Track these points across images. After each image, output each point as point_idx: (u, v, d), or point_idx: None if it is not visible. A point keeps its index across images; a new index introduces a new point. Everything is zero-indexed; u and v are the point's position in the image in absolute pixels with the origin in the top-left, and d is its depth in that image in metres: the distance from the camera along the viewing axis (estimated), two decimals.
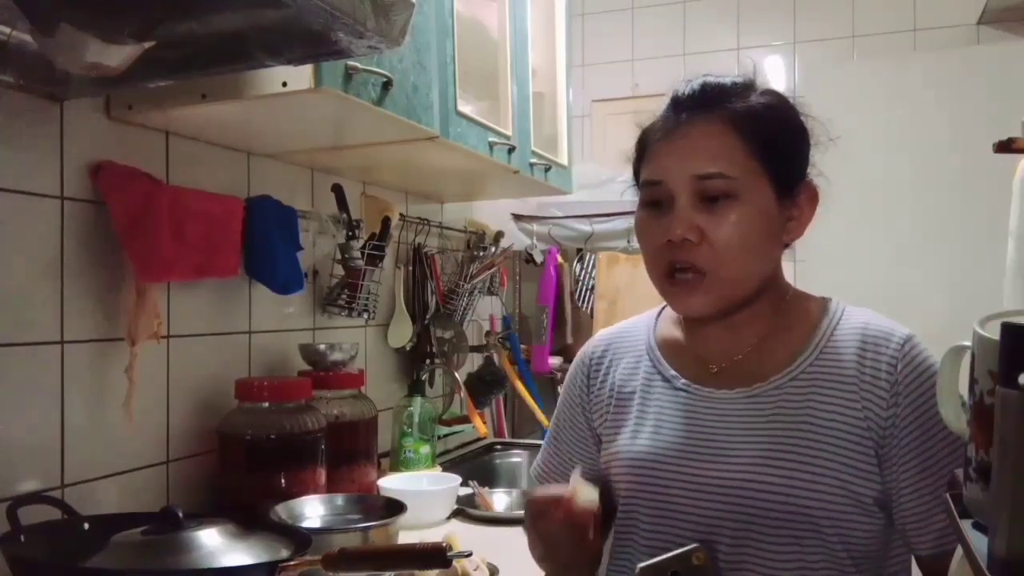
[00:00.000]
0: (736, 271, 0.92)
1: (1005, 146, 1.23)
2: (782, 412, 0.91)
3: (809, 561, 0.87)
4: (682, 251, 0.91)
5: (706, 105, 0.93)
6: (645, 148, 0.98)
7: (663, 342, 1.04)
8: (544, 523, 0.89)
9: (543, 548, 0.90)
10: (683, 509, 0.92)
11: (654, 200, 0.95)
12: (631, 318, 1.13)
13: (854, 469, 0.88)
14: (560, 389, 1.16)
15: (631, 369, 1.04)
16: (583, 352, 1.13)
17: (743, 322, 0.97)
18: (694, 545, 0.87)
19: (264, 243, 1.52)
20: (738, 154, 0.91)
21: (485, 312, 2.63)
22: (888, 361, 0.90)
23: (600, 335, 1.14)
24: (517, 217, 2.60)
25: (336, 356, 1.65)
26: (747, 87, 0.96)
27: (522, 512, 1.07)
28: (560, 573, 0.94)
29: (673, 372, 1.00)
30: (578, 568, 0.93)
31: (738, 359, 0.97)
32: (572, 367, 1.14)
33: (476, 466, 2.20)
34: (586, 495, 0.88)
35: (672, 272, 0.93)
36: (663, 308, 1.09)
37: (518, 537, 1.06)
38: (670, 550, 0.88)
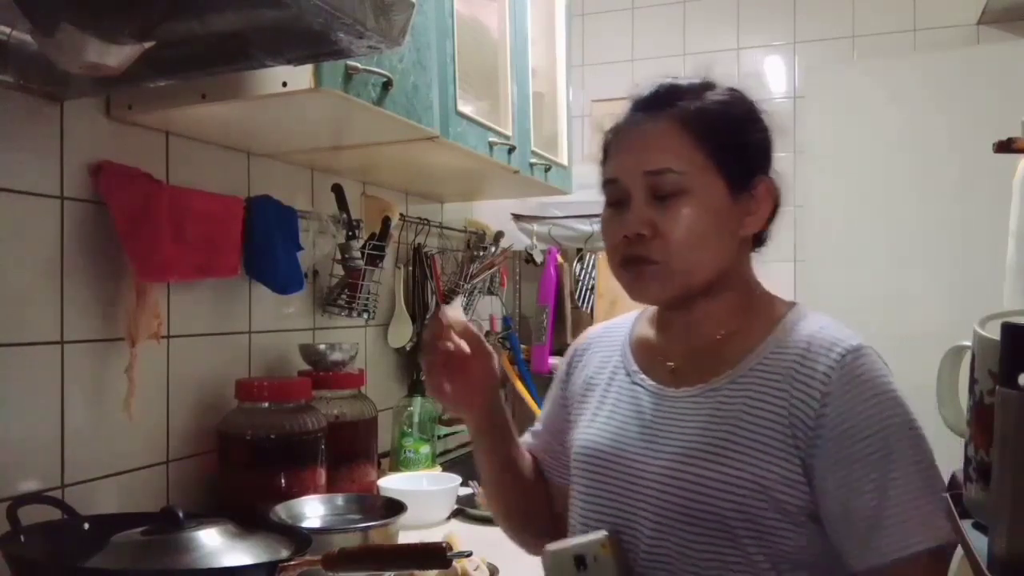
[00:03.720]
0: (687, 262, 0.95)
1: (1005, 146, 1.23)
2: (716, 412, 0.93)
3: (726, 563, 0.88)
4: (637, 245, 0.95)
5: (658, 105, 0.98)
6: (608, 149, 1.02)
7: (637, 339, 1.09)
8: (430, 344, 1.01)
9: (433, 375, 1.02)
10: (611, 500, 0.96)
11: (614, 199, 0.99)
12: (623, 315, 1.17)
13: (776, 474, 0.87)
14: None
15: (603, 363, 1.09)
16: (572, 345, 1.19)
17: (703, 318, 0.99)
18: (603, 534, 0.88)
19: (264, 243, 1.52)
20: (686, 150, 0.94)
21: (485, 312, 2.63)
22: (824, 369, 0.89)
23: (590, 330, 1.19)
24: (517, 217, 2.60)
25: (336, 356, 1.65)
26: (704, 87, 0.99)
27: None
28: (459, 402, 1.05)
29: (635, 367, 1.04)
30: (476, 399, 1.05)
31: (694, 358, 0.99)
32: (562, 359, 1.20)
33: (476, 466, 2.19)
34: (454, 312, 1.04)
35: (626, 263, 0.97)
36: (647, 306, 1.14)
37: None
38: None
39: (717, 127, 0.96)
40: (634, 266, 0.96)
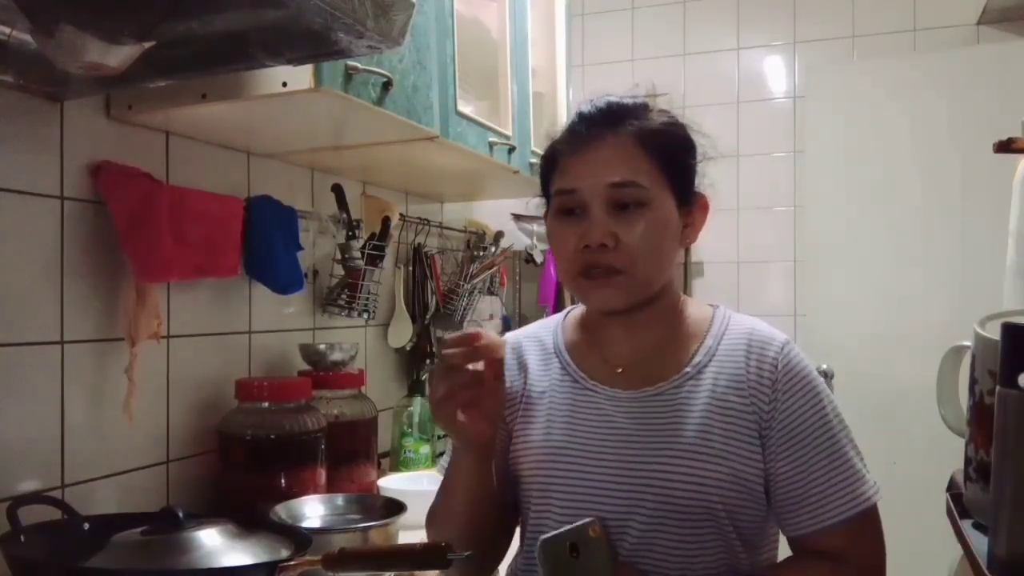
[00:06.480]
0: (647, 271, 0.99)
1: (1005, 146, 1.23)
2: (685, 410, 0.98)
3: (708, 545, 0.95)
4: (599, 255, 0.97)
5: (612, 122, 1.01)
6: (555, 161, 1.04)
7: (569, 345, 1.09)
8: (455, 361, 0.91)
9: (445, 389, 0.92)
10: (597, 500, 0.97)
11: (567, 208, 1.01)
12: (534, 323, 1.18)
13: (745, 459, 0.95)
14: None
15: (541, 369, 1.09)
16: None
17: (643, 324, 1.04)
18: (589, 519, 0.91)
19: (264, 243, 1.52)
20: (645, 166, 0.99)
21: (485, 312, 2.63)
22: (770, 362, 0.99)
23: (507, 336, 1.15)
24: (517, 217, 2.60)
25: (336, 356, 1.65)
26: (645, 108, 1.03)
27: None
28: (457, 431, 0.95)
29: (582, 373, 1.05)
30: (476, 428, 0.94)
31: (640, 360, 1.03)
32: None
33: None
34: (494, 333, 0.95)
35: (587, 271, 0.99)
36: (566, 314, 1.15)
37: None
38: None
39: (666, 145, 1.01)
40: (596, 275, 0.98)
